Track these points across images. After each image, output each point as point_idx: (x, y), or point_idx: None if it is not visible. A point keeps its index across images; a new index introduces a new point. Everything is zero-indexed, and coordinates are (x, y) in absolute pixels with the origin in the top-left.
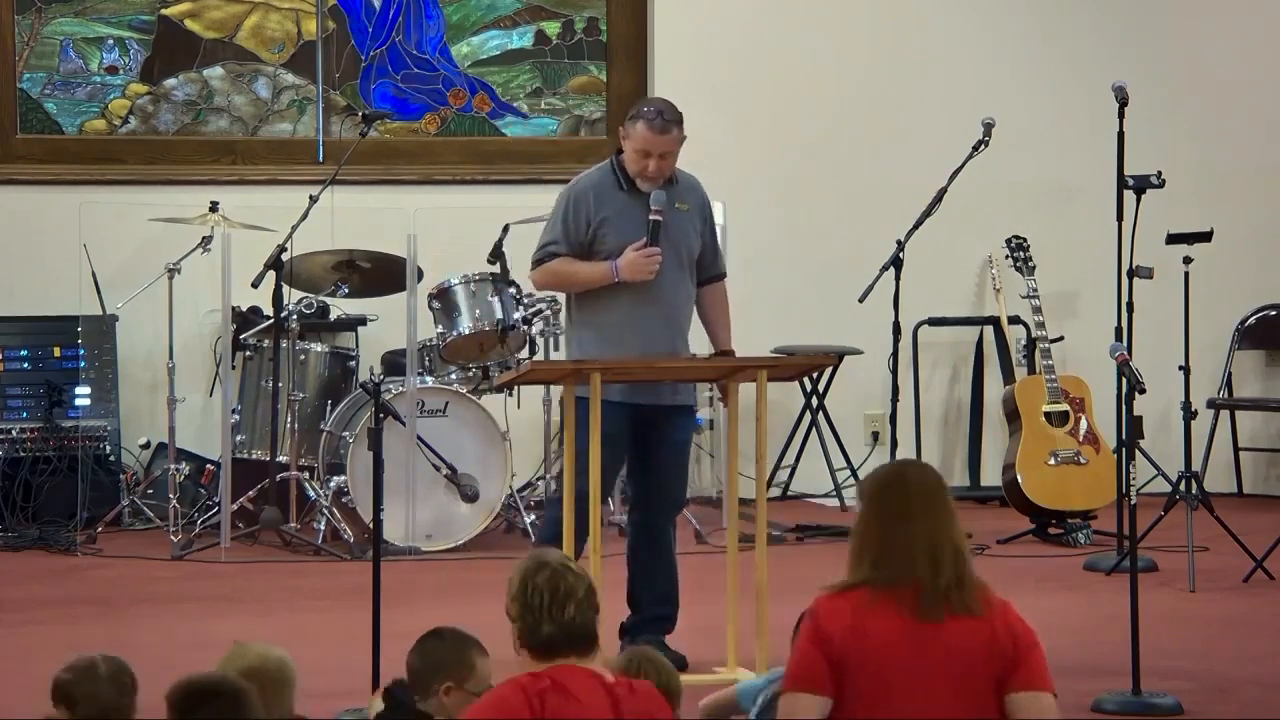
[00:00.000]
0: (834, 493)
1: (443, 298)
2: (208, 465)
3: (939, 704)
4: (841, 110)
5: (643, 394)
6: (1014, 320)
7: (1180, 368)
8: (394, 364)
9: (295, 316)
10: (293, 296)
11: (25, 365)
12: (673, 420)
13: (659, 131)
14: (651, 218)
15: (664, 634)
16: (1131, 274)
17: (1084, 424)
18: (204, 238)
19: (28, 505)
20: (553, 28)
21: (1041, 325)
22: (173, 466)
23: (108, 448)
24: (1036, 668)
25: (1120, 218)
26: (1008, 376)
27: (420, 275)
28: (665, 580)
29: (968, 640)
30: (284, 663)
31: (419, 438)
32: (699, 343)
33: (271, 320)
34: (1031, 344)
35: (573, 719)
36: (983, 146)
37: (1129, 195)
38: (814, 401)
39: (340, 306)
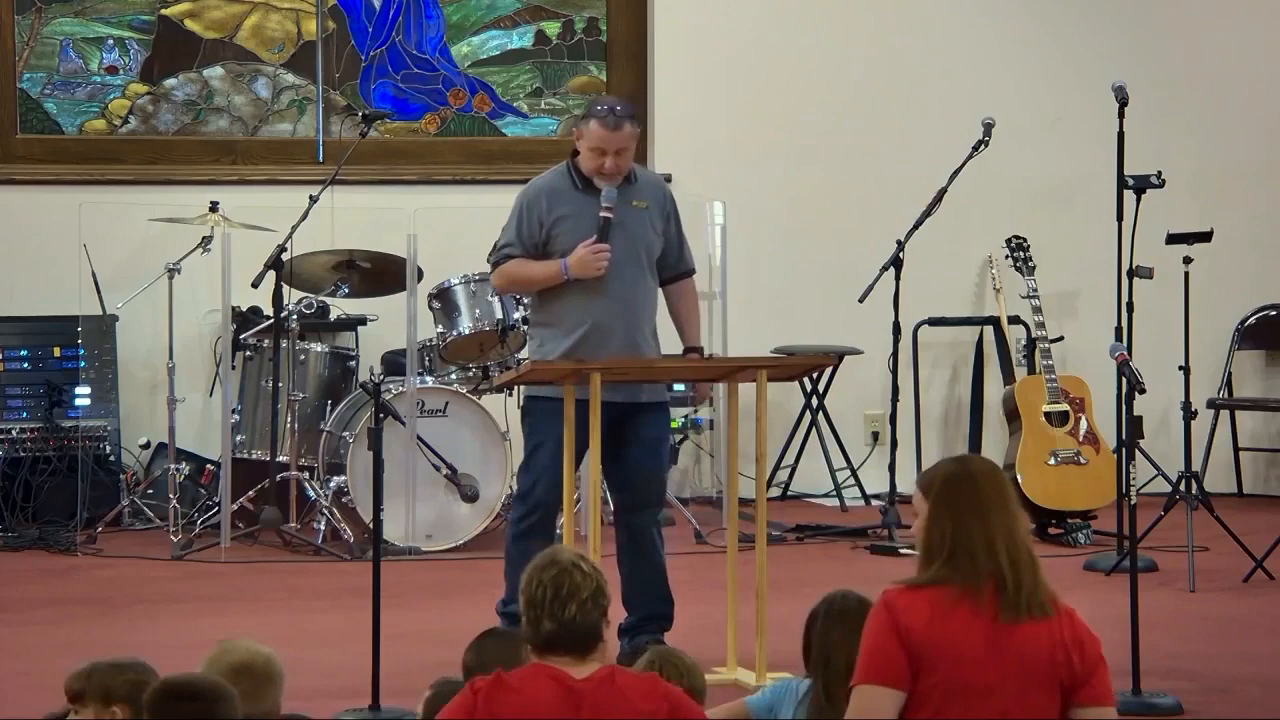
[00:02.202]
0: (834, 493)
1: (443, 298)
2: (208, 465)
3: (1007, 706)
4: (841, 110)
5: (609, 392)
6: (1014, 320)
7: (1180, 368)
8: (394, 364)
9: (295, 316)
10: (293, 296)
11: (25, 365)
12: (643, 417)
13: (612, 128)
14: (601, 214)
15: (662, 632)
16: (1131, 274)
17: (1084, 424)
18: (204, 238)
19: (28, 505)
20: (553, 28)
21: (1041, 325)
22: (173, 466)
23: (108, 448)
24: (1104, 683)
25: (1120, 218)
26: (1008, 376)
27: (420, 275)
28: (654, 580)
29: (1038, 643)
30: (270, 660)
31: (419, 438)
32: (670, 342)
33: (271, 320)
34: (1031, 344)
35: (510, 717)
36: (983, 146)
37: (1129, 195)
38: (814, 401)
39: (340, 306)
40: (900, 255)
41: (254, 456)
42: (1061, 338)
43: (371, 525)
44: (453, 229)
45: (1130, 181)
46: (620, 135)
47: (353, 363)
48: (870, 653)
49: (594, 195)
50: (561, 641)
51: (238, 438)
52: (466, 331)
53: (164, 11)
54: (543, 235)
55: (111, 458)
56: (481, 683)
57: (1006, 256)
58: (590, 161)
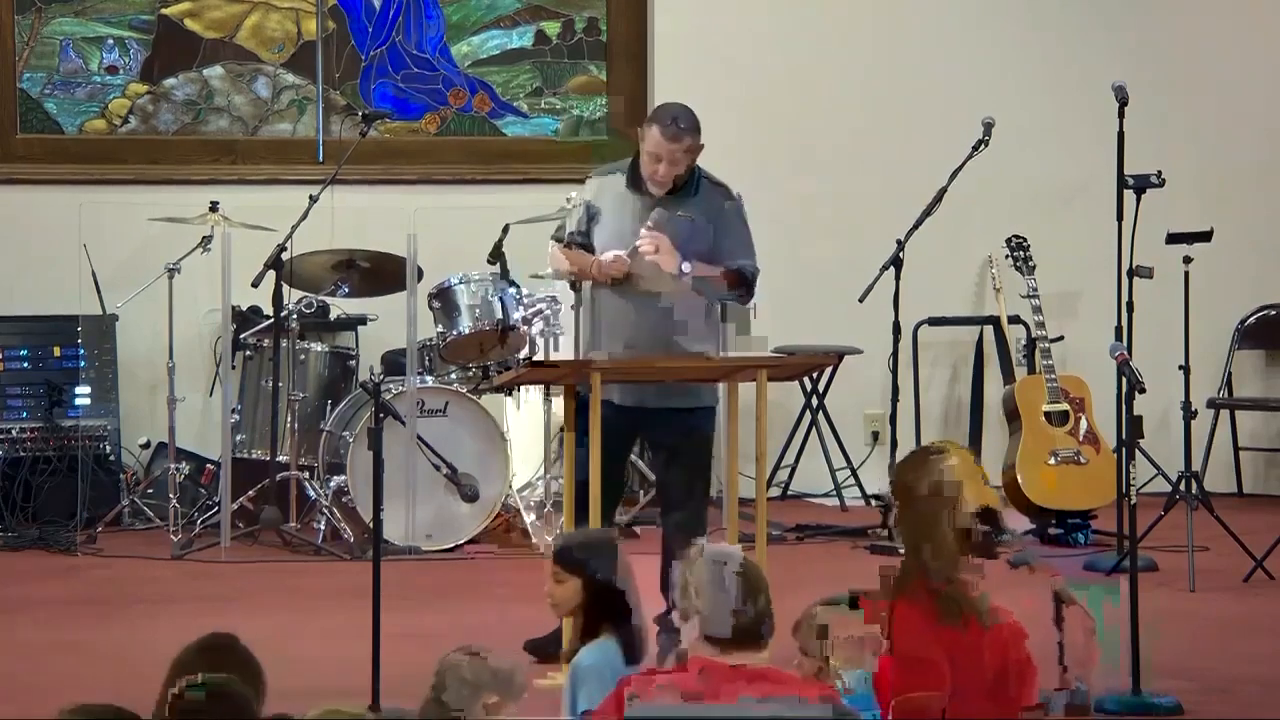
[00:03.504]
0: (834, 492)
1: (443, 298)
2: (208, 465)
3: (967, 710)
4: (842, 110)
5: (638, 395)
6: (1014, 320)
7: (1180, 368)
8: (394, 364)
9: (295, 316)
10: (293, 296)
11: (25, 365)
12: (679, 421)
13: (670, 139)
14: (637, 244)
15: None
16: (1131, 274)
17: (1084, 424)
18: (204, 237)
19: (28, 505)
20: (553, 28)
21: (1041, 325)
22: (173, 466)
23: (108, 448)
24: (1033, 686)
25: (1120, 218)
26: (1008, 376)
27: (420, 275)
28: None
29: (976, 646)
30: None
31: (419, 438)
32: None
33: (271, 320)
34: (1031, 344)
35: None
36: (983, 146)
37: (1129, 195)
38: (814, 401)
39: (340, 306)
40: (900, 255)
41: (254, 456)
42: (1061, 338)
43: (371, 525)
44: (453, 229)
45: (1130, 181)
46: (676, 146)
47: (353, 362)
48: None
49: (643, 196)
50: (747, 635)
51: (238, 438)
52: (466, 331)
53: (164, 11)
54: (587, 222)
55: (111, 457)
56: (634, 680)
57: (1006, 256)
58: (645, 165)
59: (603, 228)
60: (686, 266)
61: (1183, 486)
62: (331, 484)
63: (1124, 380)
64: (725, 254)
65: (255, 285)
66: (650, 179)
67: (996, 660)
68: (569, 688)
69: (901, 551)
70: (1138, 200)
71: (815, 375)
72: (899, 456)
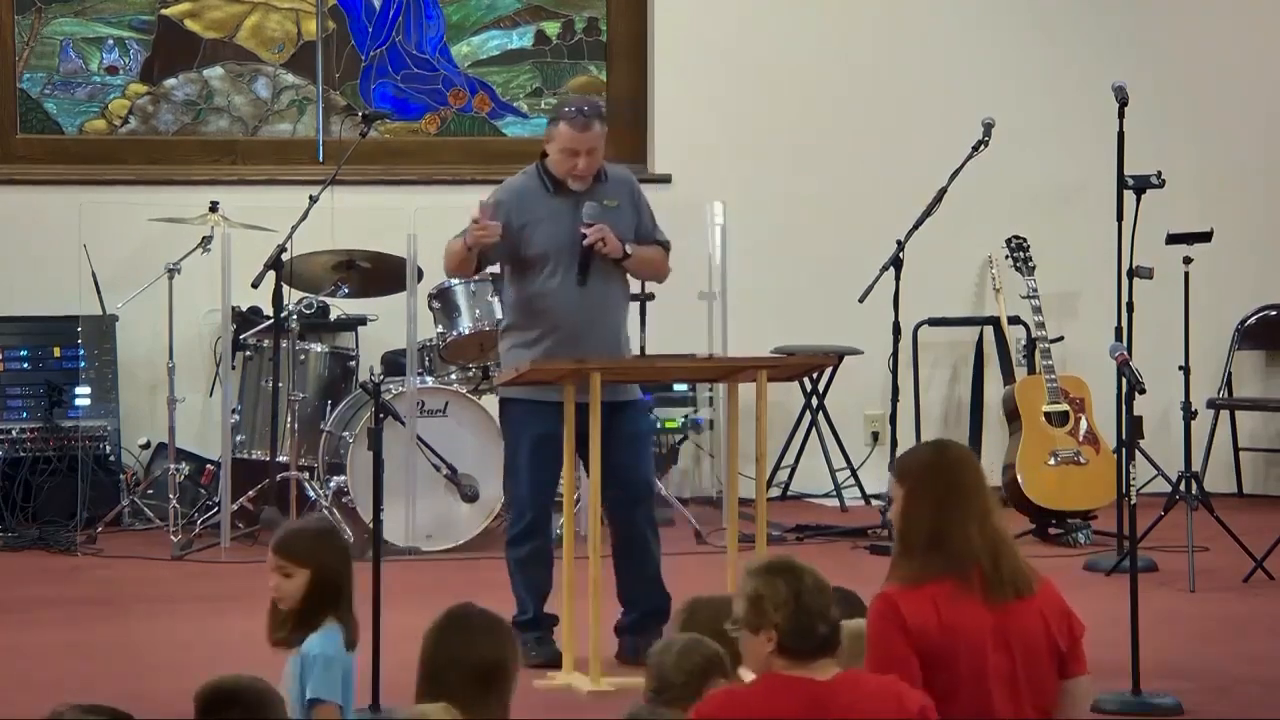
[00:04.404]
0: (834, 493)
1: (443, 298)
2: (208, 465)
3: (1019, 688)
4: (841, 110)
5: (582, 394)
6: (1014, 320)
7: (1180, 368)
8: (394, 364)
9: (295, 316)
10: (293, 296)
11: (25, 365)
12: (621, 415)
13: (581, 129)
14: (584, 242)
15: (661, 628)
16: (1131, 274)
17: (1084, 424)
18: (204, 238)
19: (28, 505)
20: (553, 28)
21: (1041, 325)
22: (173, 466)
23: (108, 448)
24: (1083, 654)
25: (1120, 218)
26: (1008, 376)
27: (420, 275)
28: (649, 576)
29: (1031, 620)
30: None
31: (419, 438)
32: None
33: (271, 320)
34: (1031, 344)
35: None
36: (983, 146)
37: (1129, 195)
38: (814, 401)
39: (340, 306)
40: (900, 255)
41: (254, 456)
42: (1061, 338)
43: (371, 525)
44: (453, 229)
45: (1130, 181)
46: (590, 135)
47: (353, 363)
48: (882, 657)
49: (566, 197)
50: (830, 644)
51: (238, 438)
52: (466, 331)
53: (164, 11)
54: (511, 236)
55: (111, 458)
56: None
57: (1006, 256)
58: (562, 164)
59: (541, 236)
60: (630, 249)
61: (1183, 487)
62: (331, 484)
63: (1124, 381)
64: (646, 232)
65: (255, 285)
66: (570, 176)
67: (1048, 625)
68: (296, 677)
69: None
70: (1138, 200)
71: (815, 375)
72: (898, 457)
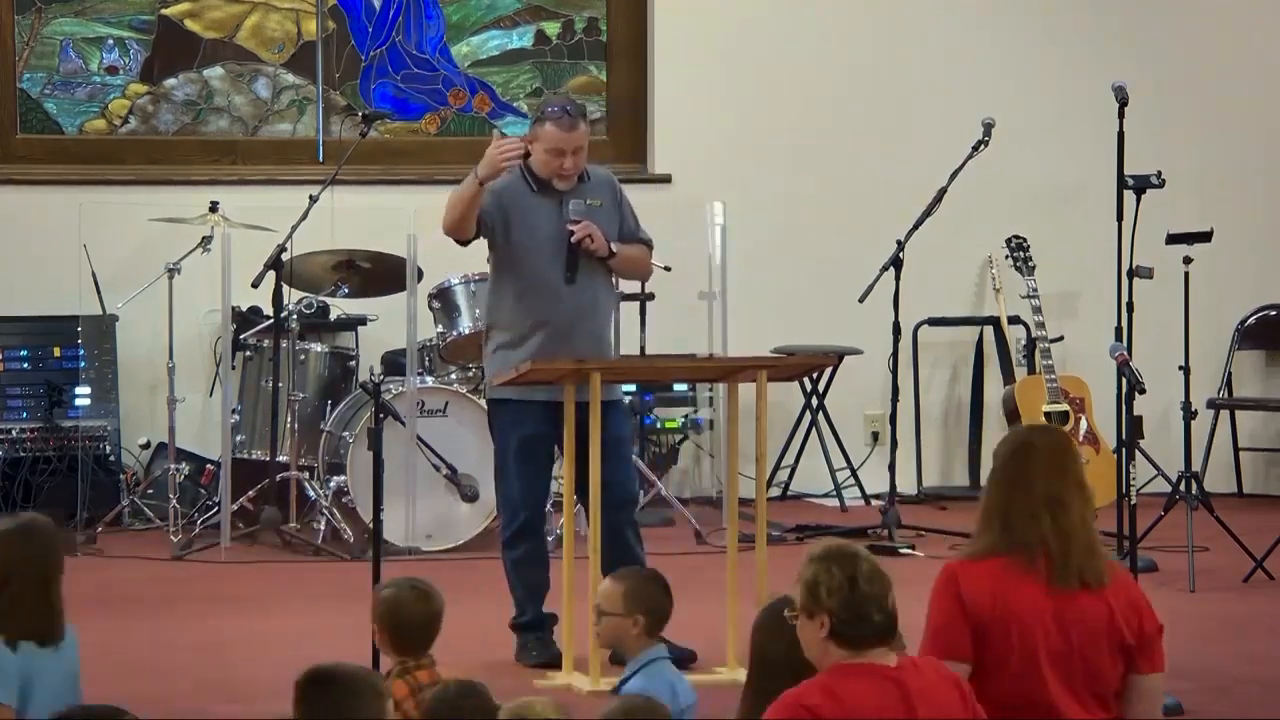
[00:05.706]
0: (834, 493)
1: (443, 298)
2: (208, 465)
3: (1075, 671)
4: (841, 110)
5: (560, 395)
6: (1014, 320)
7: (1180, 368)
8: (394, 364)
9: (295, 316)
10: (293, 296)
11: (25, 365)
12: (604, 418)
13: (567, 129)
14: (571, 237)
15: None
16: (1131, 274)
17: (1084, 424)
18: (204, 238)
19: (28, 505)
20: (553, 28)
21: (1041, 325)
22: (173, 466)
23: (108, 448)
24: (1160, 652)
25: (1120, 218)
26: (1008, 376)
27: (420, 275)
28: None
29: (1097, 611)
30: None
31: (419, 438)
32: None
33: (271, 320)
34: (1031, 344)
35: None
36: (983, 146)
37: (1129, 195)
38: (814, 401)
39: (340, 306)
40: (900, 255)
41: (254, 456)
42: (1061, 338)
43: (371, 525)
44: None
45: (1130, 181)
46: (576, 135)
47: (353, 363)
48: (937, 629)
49: (551, 197)
50: (888, 630)
51: (238, 438)
52: (466, 331)
53: (164, 11)
54: (500, 216)
55: (111, 458)
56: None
57: (1006, 256)
58: (547, 165)
59: (525, 233)
60: (615, 247)
61: (1183, 487)
62: (331, 484)
63: (1124, 380)
64: (630, 231)
65: (255, 285)
66: (556, 176)
67: (1114, 617)
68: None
69: (904, 551)
70: (1138, 200)
71: (815, 375)
72: (899, 457)
